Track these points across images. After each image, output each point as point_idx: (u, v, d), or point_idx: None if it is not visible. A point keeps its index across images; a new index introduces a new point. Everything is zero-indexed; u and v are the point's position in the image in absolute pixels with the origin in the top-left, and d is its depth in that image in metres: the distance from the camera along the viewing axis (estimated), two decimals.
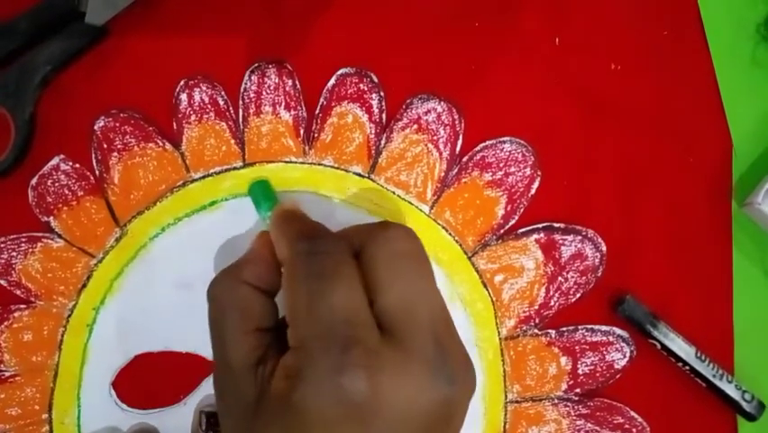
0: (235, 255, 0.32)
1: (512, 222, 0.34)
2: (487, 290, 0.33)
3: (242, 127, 0.34)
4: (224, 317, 0.25)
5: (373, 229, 0.25)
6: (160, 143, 0.33)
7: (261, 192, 0.32)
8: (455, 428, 0.23)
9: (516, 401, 0.33)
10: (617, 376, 0.33)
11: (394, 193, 0.34)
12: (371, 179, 0.34)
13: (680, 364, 0.33)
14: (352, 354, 0.21)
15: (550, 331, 0.33)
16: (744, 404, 0.32)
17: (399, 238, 0.25)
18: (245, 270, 0.26)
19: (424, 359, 0.22)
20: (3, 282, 0.33)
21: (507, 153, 0.34)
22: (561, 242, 0.34)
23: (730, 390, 0.32)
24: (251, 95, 0.34)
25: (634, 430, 0.33)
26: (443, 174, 0.34)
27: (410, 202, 0.34)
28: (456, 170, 0.34)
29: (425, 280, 0.24)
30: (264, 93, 0.34)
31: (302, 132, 0.34)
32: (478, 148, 0.34)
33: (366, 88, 0.34)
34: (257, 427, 0.23)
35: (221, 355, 0.25)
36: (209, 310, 0.26)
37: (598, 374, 0.33)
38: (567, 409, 0.33)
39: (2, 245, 0.33)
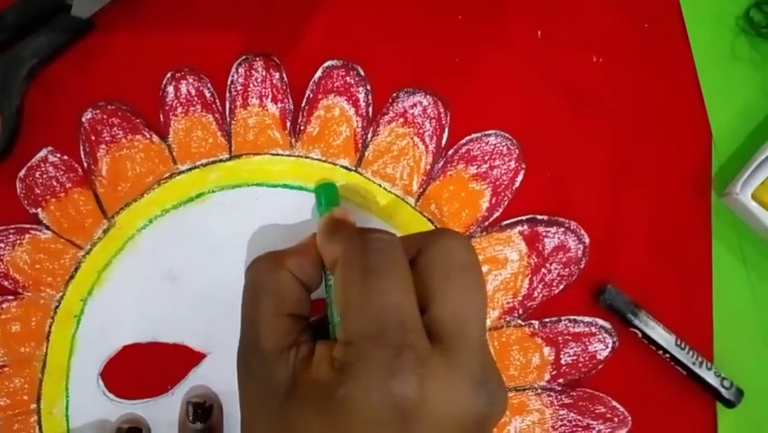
0: (224, 247, 0.33)
1: (496, 214, 0.34)
2: None
3: (228, 119, 0.34)
4: (260, 298, 0.25)
5: (430, 237, 0.25)
6: (147, 135, 0.34)
7: (325, 195, 0.32)
8: None
9: None
10: (600, 366, 0.34)
11: (380, 186, 0.34)
12: (358, 173, 0.34)
13: (660, 353, 0.33)
14: (404, 358, 0.22)
15: (533, 322, 0.34)
16: (723, 391, 0.33)
17: (458, 248, 0.25)
18: (289, 258, 0.26)
19: (469, 374, 0.23)
20: None
21: (492, 146, 0.34)
22: (544, 234, 0.34)
23: (710, 377, 0.33)
24: (238, 87, 0.34)
25: (615, 419, 0.33)
26: (428, 167, 0.34)
27: (396, 195, 0.34)
28: (442, 163, 0.34)
29: (479, 295, 0.24)
30: (251, 85, 0.34)
31: (289, 124, 0.34)
32: (463, 141, 0.34)
33: (353, 81, 0.34)
34: (289, 410, 0.23)
35: (251, 337, 0.25)
36: (244, 291, 0.26)
37: (580, 365, 0.34)
38: (550, 398, 0.33)
39: None
